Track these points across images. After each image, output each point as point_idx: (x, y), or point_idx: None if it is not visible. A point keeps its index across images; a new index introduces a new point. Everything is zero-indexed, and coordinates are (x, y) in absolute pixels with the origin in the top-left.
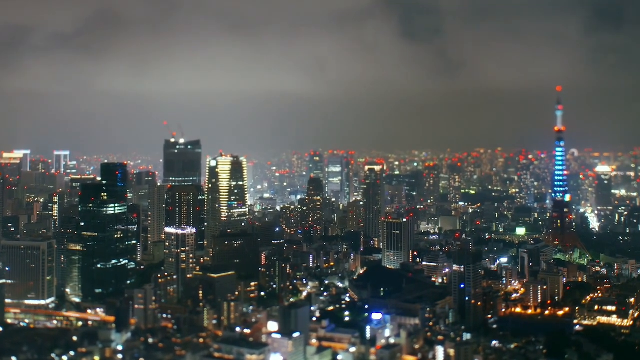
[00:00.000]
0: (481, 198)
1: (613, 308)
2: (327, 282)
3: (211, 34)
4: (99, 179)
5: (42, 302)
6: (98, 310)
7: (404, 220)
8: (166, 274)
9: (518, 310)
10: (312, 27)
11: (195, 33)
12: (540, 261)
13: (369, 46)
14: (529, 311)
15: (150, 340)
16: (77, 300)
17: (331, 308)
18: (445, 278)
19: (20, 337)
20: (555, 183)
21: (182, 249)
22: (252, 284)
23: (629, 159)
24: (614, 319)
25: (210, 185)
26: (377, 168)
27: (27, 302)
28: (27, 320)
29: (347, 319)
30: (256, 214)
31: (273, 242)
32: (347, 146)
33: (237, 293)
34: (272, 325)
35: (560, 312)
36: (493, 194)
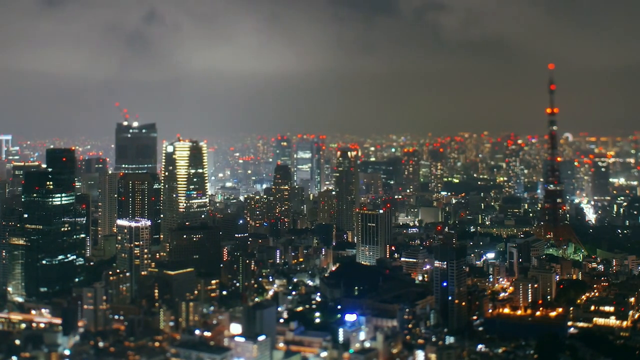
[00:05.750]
0: (465, 187)
1: (611, 308)
2: (295, 279)
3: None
4: (44, 166)
5: None
6: (43, 310)
7: (381, 211)
8: (118, 270)
9: (506, 310)
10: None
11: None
12: (531, 257)
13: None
14: (519, 312)
15: (101, 344)
16: (19, 299)
17: (300, 308)
18: (426, 275)
19: None
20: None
21: (136, 243)
22: (213, 282)
23: (628, 143)
24: (612, 321)
25: (166, 173)
26: (351, 154)
27: None
28: None
29: (317, 320)
30: (217, 204)
31: (236, 235)
32: (318, 130)
33: (196, 292)
34: (235, 328)
35: (553, 313)
36: (479, 183)
